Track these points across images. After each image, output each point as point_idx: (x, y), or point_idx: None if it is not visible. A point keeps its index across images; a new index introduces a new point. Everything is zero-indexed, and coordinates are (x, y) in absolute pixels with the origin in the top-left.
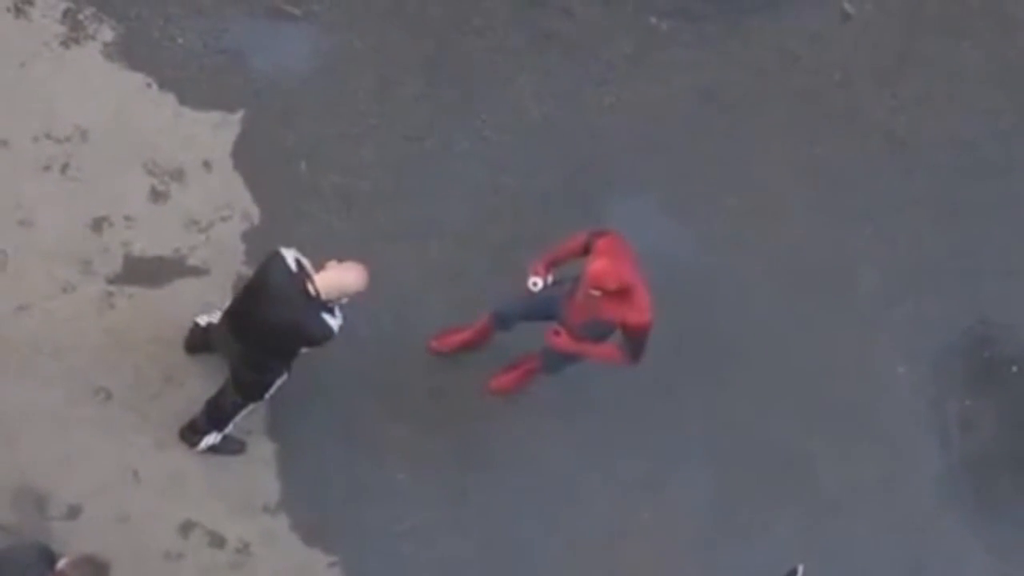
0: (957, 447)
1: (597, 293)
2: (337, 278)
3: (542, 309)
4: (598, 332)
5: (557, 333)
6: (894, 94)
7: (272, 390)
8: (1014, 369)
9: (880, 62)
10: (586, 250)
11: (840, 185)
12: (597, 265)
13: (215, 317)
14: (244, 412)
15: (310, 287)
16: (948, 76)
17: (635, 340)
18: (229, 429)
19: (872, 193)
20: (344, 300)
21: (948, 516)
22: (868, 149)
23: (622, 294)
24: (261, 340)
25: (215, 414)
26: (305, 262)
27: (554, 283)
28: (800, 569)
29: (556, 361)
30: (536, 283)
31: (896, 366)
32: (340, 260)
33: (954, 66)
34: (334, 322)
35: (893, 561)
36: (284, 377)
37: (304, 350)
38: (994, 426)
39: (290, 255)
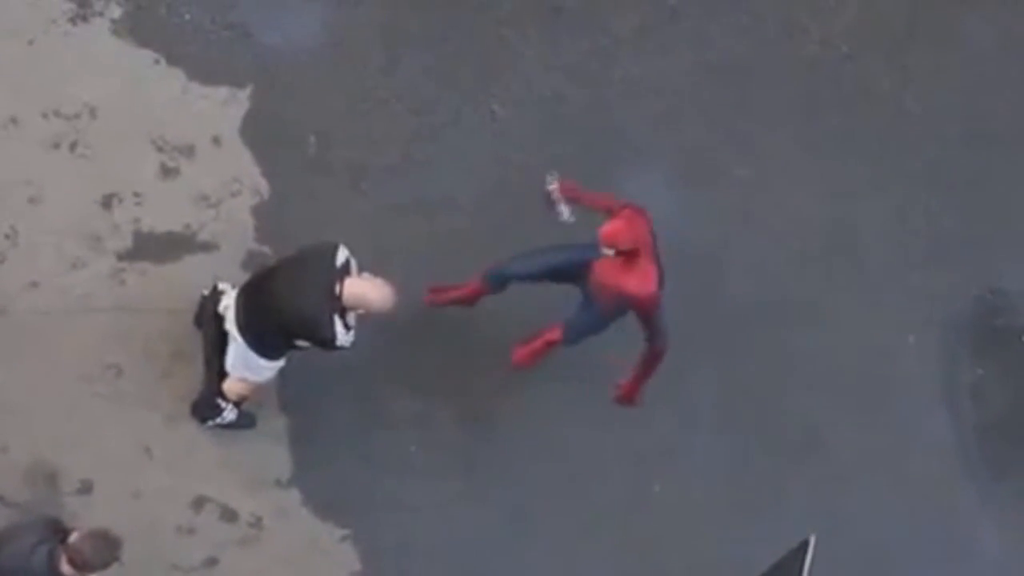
0: (968, 416)
1: (609, 252)
2: (363, 289)
3: (560, 271)
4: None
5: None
6: (902, 65)
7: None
8: None
9: (888, 34)
10: (609, 212)
11: (849, 156)
12: (613, 224)
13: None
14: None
15: (337, 287)
16: (956, 47)
17: (643, 315)
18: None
19: (881, 164)
20: (360, 311)
21: (959, 485)
22: (876, 120)
23: (629, 259)
24: (268, 314)
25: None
26: (353, 264)
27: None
28: (812, 540)
29: (576, 332)
30: (563, 212)
31: (906, 336)
32: (374, 274)
33: (962, 37)
34: (341, 332)
35: (905, 531)
36: (277, 364)
37: (303, 344)
38: (1005, 395)
39: (343, 253)
